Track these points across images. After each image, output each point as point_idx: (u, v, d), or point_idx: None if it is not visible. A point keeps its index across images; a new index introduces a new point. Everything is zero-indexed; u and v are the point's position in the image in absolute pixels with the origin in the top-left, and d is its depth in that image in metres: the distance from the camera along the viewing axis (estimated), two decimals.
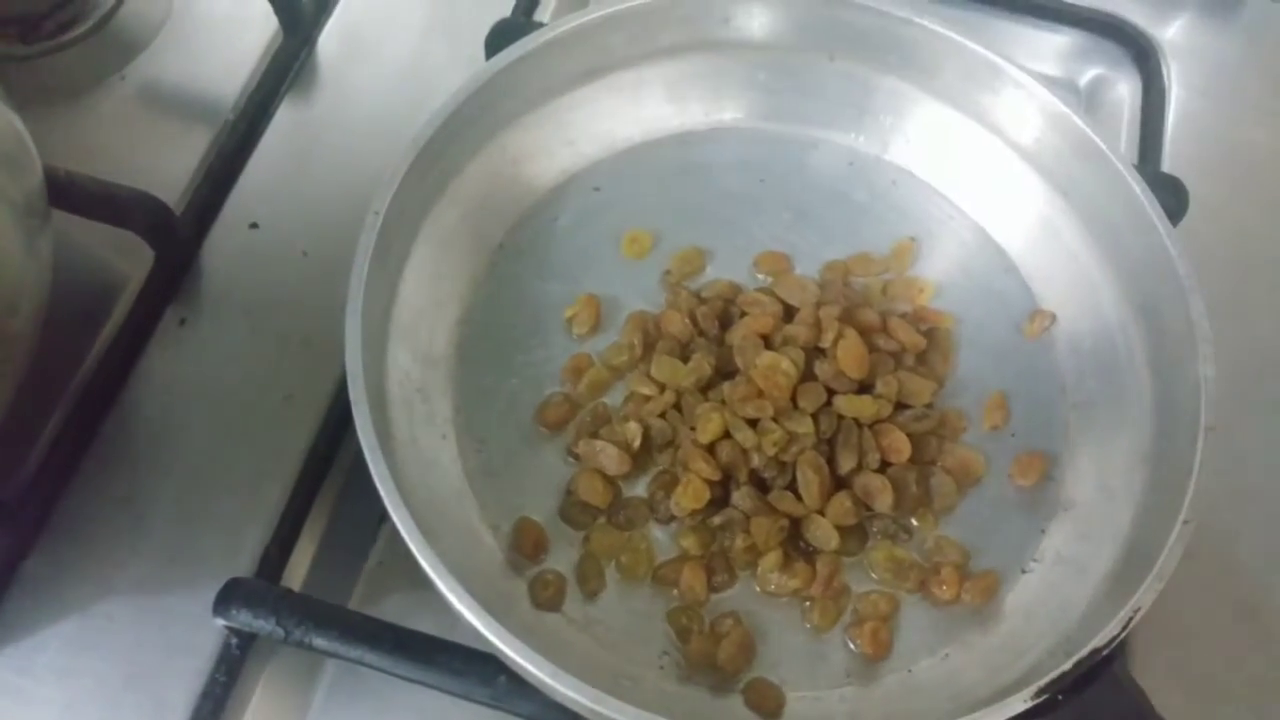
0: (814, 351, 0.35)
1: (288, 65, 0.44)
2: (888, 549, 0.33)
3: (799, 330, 0.35)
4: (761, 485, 0.34)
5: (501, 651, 0.27)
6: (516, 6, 0.45)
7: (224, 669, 0.31)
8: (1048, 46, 0.49)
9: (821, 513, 0.33)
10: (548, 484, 0.34)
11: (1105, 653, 0.28)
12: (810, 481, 0.33)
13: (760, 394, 0.33)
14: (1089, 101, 0.48)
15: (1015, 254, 0.39)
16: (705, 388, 0.35)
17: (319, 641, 0.30)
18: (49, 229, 0.32)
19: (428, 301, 0.35)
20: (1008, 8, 0.48)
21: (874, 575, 0.33)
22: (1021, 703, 0.27)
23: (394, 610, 0.33)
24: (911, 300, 0.38)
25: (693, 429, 0.34)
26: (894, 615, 0.32)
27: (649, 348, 0.36)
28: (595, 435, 0.34)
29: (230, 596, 0.31)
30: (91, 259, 0.39)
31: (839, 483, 0.33)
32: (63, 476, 0.34)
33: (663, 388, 0.35)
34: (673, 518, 0.33)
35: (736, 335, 0.35)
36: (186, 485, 0.35)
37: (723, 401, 0.34)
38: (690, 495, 0.32)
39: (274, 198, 0.40)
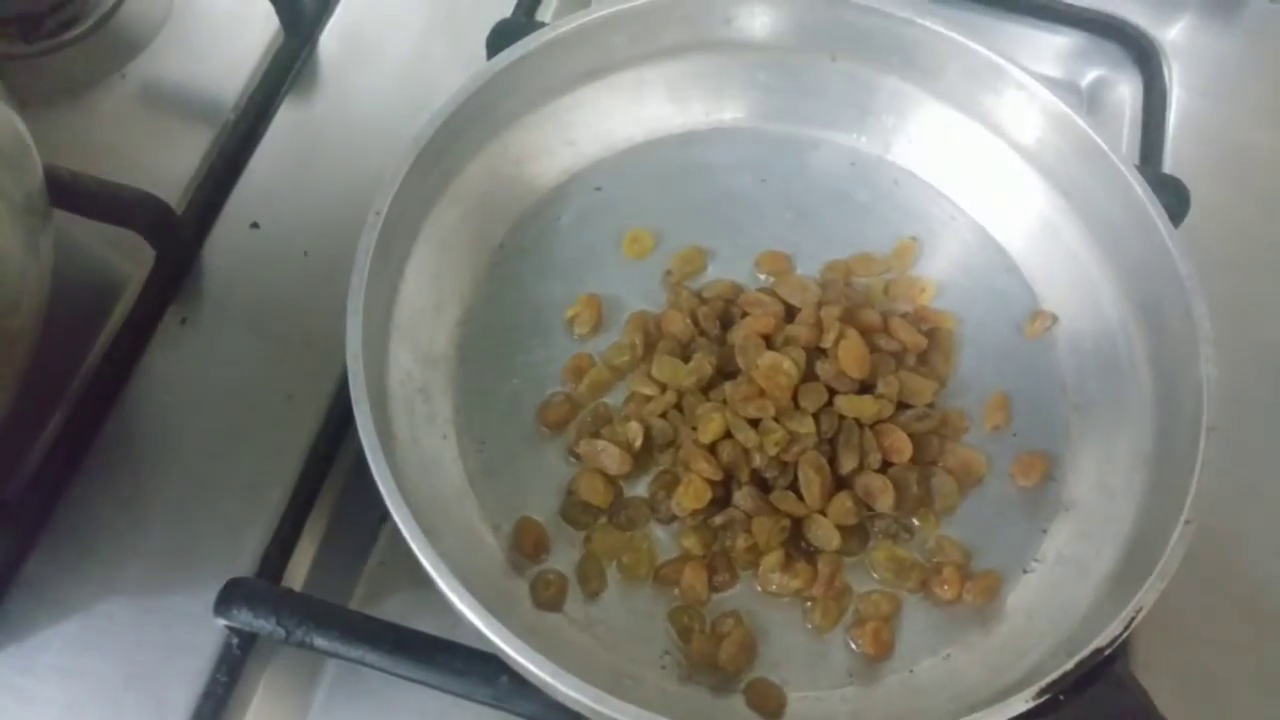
0: (815, 351, 0.35)
1: (289, 65, 0.44)
2: (889, 549, 0.33)
3: (800, 330, 0.35)
4: (763, 485, 0.33)
5: (503, 651, 0.27)
6: (518, 6, 0.45)
7: (225, 669, 0.31)
8: (1049, 47, 0.49)
9: (823, 513, 0.33)
10: (549, 484, 0.34)
11: (1107, 653, 0.27)
12: (811, 481, 0.33)
13: (761, 394, 0.33)
14: (1090, 102, 0.48)
15: (1017, 254, 0.39)
16: (706, 388, 0.35)
17: (320, 641, 0.30)
18: (50, 228, 0.32)
19: (429, 301, 0.35)
20: (1010, 9, 0.48)
21: (875, 575, 0.33)
22: (1023, 703, 0.27)
23: (395, 610, 0.33)
24: (913, 300, 0.38)
25: (694, 429, 0.34)
26: (895, 615, 0.32)
27: (650, 348, 0.36)
28: (596, 435, 0.34)
29: (231, 596, 0.31)
30: (92, 258, 0.39)
31: (840, 483, 0.33)
32: (64, 476, 0.34)
33: (664, 388, 0.35)
34: (674, 517, 0.33)
35: (738, 335, 0.35)
36: (187, 485, 0.35)
37: (724, 401, 0.34)
38: (691, 495, 0.32)
39: (275, 197, 0.40)
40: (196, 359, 0.37)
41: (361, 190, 0.33)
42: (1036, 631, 0.31)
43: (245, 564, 0.33)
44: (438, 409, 0.34)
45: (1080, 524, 0.34)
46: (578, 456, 0.34)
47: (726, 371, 0.35)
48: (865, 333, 0.35)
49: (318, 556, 0.35)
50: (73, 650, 0.32)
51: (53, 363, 0.35)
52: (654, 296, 0.37)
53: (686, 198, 0.39)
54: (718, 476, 0.33)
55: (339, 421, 0.35)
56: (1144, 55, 0.47)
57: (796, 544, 0.33)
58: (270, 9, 0.43)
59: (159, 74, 0.43)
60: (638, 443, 0.34)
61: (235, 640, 0.32)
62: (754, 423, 0.33)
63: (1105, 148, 0.35)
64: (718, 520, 0.33)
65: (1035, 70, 0.37)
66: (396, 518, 0.28)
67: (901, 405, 0.35)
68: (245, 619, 0.31)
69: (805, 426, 0.33)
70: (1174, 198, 0.39)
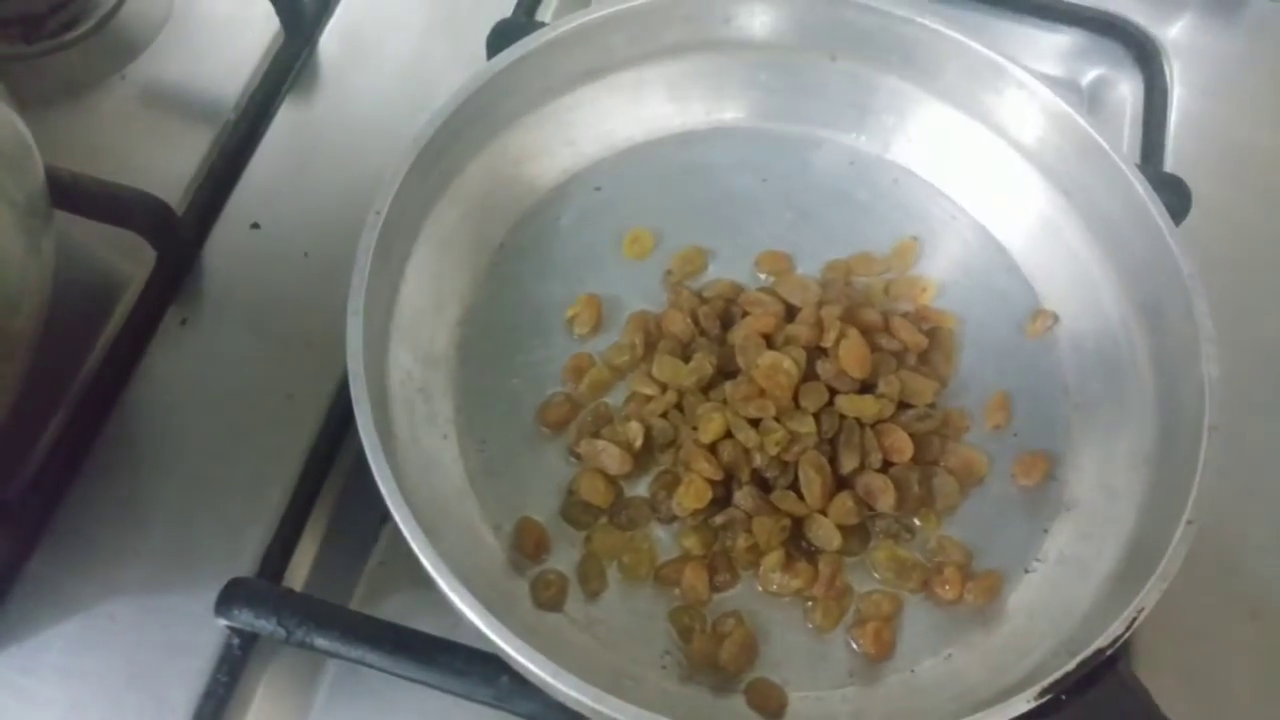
0: (816, 351, 0.35)
1: (289, 65, 0.44)
2: (890, 549, 0.33)
3: (801, 330, 0.35)
4: (763, 485, 0.33)
5: (503, 651, 0.27)
6: (518, 6, 0.45)
7: (226, 669, 0.31)
8: (1050, 46, 0.49)
9: (824, 512, 0.33)
10: (549, 484, 0.34)
11: (1109, 653, 0.27)
12: (812, 481, 0.32)
13: (762, 394, 0.33)
14: (1091, 101, 0.48)
15: (1017, 253, 0.39)
16: (707, 387, 0.35)
17: (320, 641, 0.30)
18: (51, 229, 0.32)
19: (429, 301, 0.35)
20: (1010, 7, 0.48)
21: (876, 575, 0.33)
22: (1025, 703, 0.27)
23: (396, 610, 0.33)
24: (913, 300, 0.38)
25: (694, 429, 0.34)
26: (896, 615, 0.32)
27: (650, 347, 0.36)
28: (597, 435, 0.34)
29: (232, 596, 0.31)
30: (93, 259, 0.39)
31: (841, 482, 0.33)
32: (65, 477, 0.34)
33: (664, 387, 0.35)
34: (674, 517, 0.33)
35: (738, 335, 0.35)
36: (188, 485, 0.35)
37: (724, 401, 0.34)
38: (692, 495, 0.32)
39: (275, 198, 0.40)
40: (197, 359, 0.37)
41: (362, 190, 0.33)
42: (1038, 631, 0.31)
43: (246, 564, 0.33)
44: (438, 409, 0.34)
45: (1082, 524, 0.34)
46: (578, 456, 0.34)
47: (727, 371, 0.35)
48: (866, 332, 0.35)
49: (318, 556, 0.35)
50: (74, 650, 0.32)
51: (54, 363, 0.35)
52: (654, 296, 0.37)
53: (687, 197, 0.39)
54: (718, 476, 0.33)
55: (339, 421, 0.35)
56: (1145, 54, 0.47)
57: (797, 544, 0.33)
58: (270, 9, 0.43)
59: (159, 75, 0.43)
60: (638, 443, 0.34)
61: (236, 640, 0.32)
62: (755, 422, 0.33)
63: (1106, 146, 0.35)
64: (718, 520, 0.33)
65: (1036, 69, 0.37)
66: (397, 518, 0.28)
67: (902, 405, 0.35)
68: (246, 619, 0.31)
69: (806, 426, 0.33)
70: (1175, 196, 0.39)
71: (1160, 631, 0.32)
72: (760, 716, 0.30)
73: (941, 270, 0.39)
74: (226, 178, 0.41)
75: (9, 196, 0.29)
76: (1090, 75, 0.49)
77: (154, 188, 0.37)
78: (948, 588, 0.32)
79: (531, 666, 0.26)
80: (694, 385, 0.34)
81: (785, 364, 0.34)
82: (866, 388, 0.35)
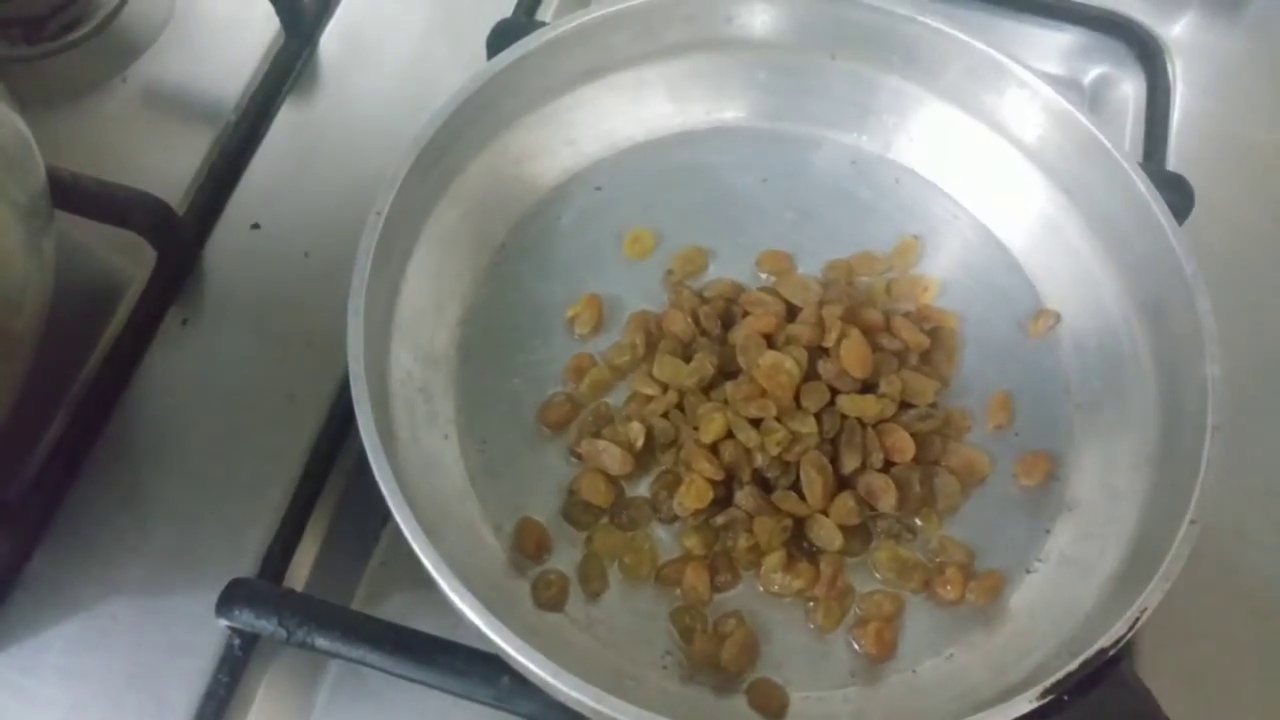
0: (817, 351, 0.35)
1: (289, 66, 0.44)
2: (891, 549, 0.33)
3: (802, 330, 0.35)
4: (764, 485, 0.33)
5: (504, 651, 0.27)
6: (518, 6, 0.45)
7: (227, 669, 0.31)
8: (1052, 45, 0.48)
9: (825, 513, 0.33)
10: (550, 484, 0.34)
11: (1111, 653, 0.27)
12: (813, 481, 0.32)
13: (763, 393, 0.33)
14: (1093, 100, 0.48)
15: (1019, 253, 0.39)
16: (708, 387, 0.35)
17: (321, 642, 0.30)
18: (52, 229, 0.32)
19: (429, 301, 0.35)
20: (1011, 6, 0.48)
21: (878, 575, 0.33)
22: (1027, 703, 0.27)
23: (396, 610, 0.33)
24: (915, 299, 0.38)
25: (695, 429, 0.34)
26: (898, 615, 0.32)
27: (651, 347, 0.36)
28: (597, 435, 0.34)
29: (233, 597, 0.31)
30: (94, 260, 0.39)
31: (842, 482, 0.33)
32: (66, 477, 0.34)
33: (665, 387, 0.35)
34: (675, 518, 0.33)
35: (739, 335, 0.35)
36: (189, 485, 0.35)
37: (725, 401, 0.34)
38: (693, 495, 0.32)
39: (276, 198, 0.40)
40: (198, 360, 0.37)
41: (362, 190, 0.33)
42: (1040, 632, 0.31)
43: (247, 564, 0.33)
44: (439, 409, 0.34)
45: (1084, 524, 0.34)
46: (579, 456, 0.34)
47: (728, 371, 0.35)
48: (867, 332, 0.35)
49: (319, 557, 0.35)
50: (75, 650, 0.32)
51: (55, 364, 0.35)
52: (655, 296, 0.37)
53: (687, 197, 0.39)
54: (719, 476, 0.33)
55: (340, 422, 0.35)
56: (1147, 52, 0.47)
57: (798, 544, 0.33)
58: (270, 10, 0.43)
59: (160, 75, 0.43)
60: (639, 443, 0.34)
61: (237, 641, 0.32)
62: (756, 422, 0.33)
63: (1108, 145, 0.35)
64: (719, 520, 0.33)
65: (1037, 68, 0.36)
66: (398, 518, 0.28)
67: (904, 405, 0.35)
68: (247, 619, 0.31)
69: (807, 426, 0.33)
70: (1178, 195, 0.39)
71: (1162, 632, 0.32)
72: (761, 717, 0.30)
73: (943, 269, 0.39)
74: (227, 178, 0.41)
75: (10, 197, 0.29)
76: (1092, 74, 0.48)
77: (155, 188, 0.37)
78: (949, 588, 0.32)
79: (532, 667, 0.26)
80: (695, 385, 0.34)
81: (786, 364, 0.34)
82: (868, 387, 0.35)
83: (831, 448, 0.34)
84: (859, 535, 0.33)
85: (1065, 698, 0.27)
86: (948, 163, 0.40)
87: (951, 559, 0.33)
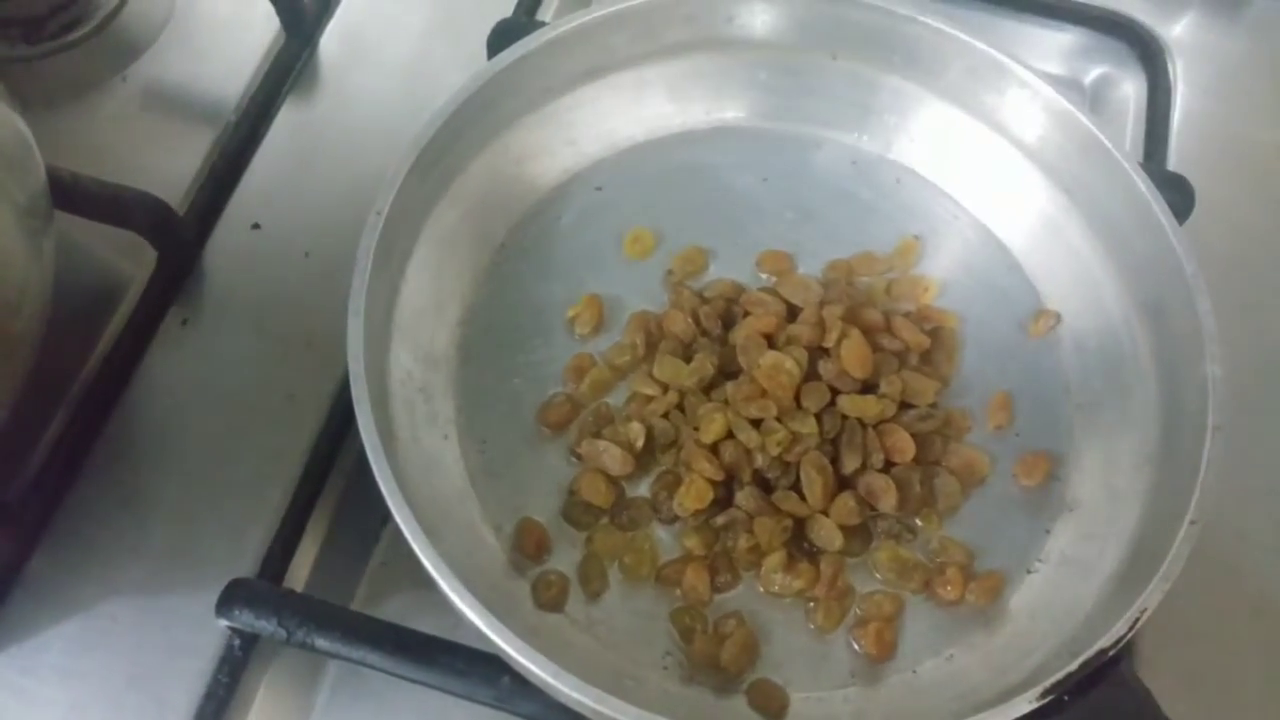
0: (817, 351, 0.35)
1: (290, 66, 0.44)
2: (892, 549, 0.33)
3: (802, 330, 0.35)
4: (765, 485, 0.33)
5: (504, 652, 0.27)
6: (518, 6, 0.45)
7: (226, 670, 0.31)
8: (1053, 45, 0.48)
9: (825, 513, 0.33)
10: (550, 484, 0.34)
11: (1111, 653, 0.27)
12: (814, 481, 0.32)
13: (763, 394, 0.33)
14: (1094, 100, 0.48)
15: (1019, 253, 0.39)
16: (708, 388, 0.35)
17: (321, 642, 0.30)
18: (52, 230, 0.32)
19: (429, 301, 0.35)
20: (1012, 6, 0.48)
21: (878, 576, 0.33)
22: (1027, 704, 0.27)
23: (397, 611, 0.33)
24: (915, 299, 0.38)
25: (695, 429, 0.34)
26: (898, 616, 0.32)
27: (651, 348, 0.36)
28: (598, 435, 0.34)
29: (233, 597, 0.31)
30: (94, 260, 0.39)
31: (843, 483, 0.33)
32: (65, 477, 0.34)
33: (665, 388, 0.35)
34: (676, 518, 0.33)
35: (739, 335, 0.35)
36: (189, 486, 0.35)
37: (726, 401, 0.34)
38: (693, 495, 0.32)
39: (276, 198, 0.40)
40: (198, 360, 0.37)
41: (362, 190, 0.33)
42: (1040, 632, 0.31)
43: (247, 565, 0.33)
44: (439, 409, 0.34)
45: (1084, 524, 0.34)
46: (579, 457, 0.34)
47: (728, 371, 0.35)
48: (868, 332, 0.35)
49: (319, 557, 0.35)
50: (74, 651, 0.32)
51: (55, 364, 0.35)
52: (655, 296, 0.37)
53: (688, 197, 0.39)
54: (719, 477, 0.33)
55: (340, 422, 0.35)
56: (1148, 52, 0.47)
57: (799, 544, 0.33)
58: (270, 10, 0.43)
59: (160, 75, 0.43)
60: (639, 443, 0.34)
61: (237, 641, 0.32)
62: (756, 423, 0.33)
63: (1109, 145, 0.35)
64: (720, 520, 0.33)
65: (1038, 68, 0.36)
66: (398, 518, 0.28)
67: (904, 405, 0.35)
68: (247, 620, 0.31)
69: (807, 426, 0.33)
70: (1178, 195, 0.39)
71: (1163, 632, 0.32)
72: (762, 717, 0.30)
73: (943, 270, 0.39)
74: (227, 178, 0.41)
75: (10, 197, 0.29)
76: (1093, 74, 0.48)
77: (155, 188, 0.37)
78: (949, 588, 0.32)
79: (532, 667, 0.26)
80: (695, 385, 0.34)
81: (787, 364, 0.33)
82: (868, 388, 0.35)
83: (832, 448, 0.34)
84: (859, 535, 0.33)
85: (1065, 698, 0.27)
86: (948, 163, 0.40)
87: (952, 559, 0.33)
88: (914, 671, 0.32)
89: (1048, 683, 0.27)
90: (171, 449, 0.35)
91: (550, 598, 0.32)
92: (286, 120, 0.42)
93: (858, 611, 0.32)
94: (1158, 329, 0.34)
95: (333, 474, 0.35)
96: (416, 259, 0.35)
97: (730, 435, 0.33)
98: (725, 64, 0.40)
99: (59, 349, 0.34)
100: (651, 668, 0.31)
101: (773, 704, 0.30)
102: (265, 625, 0.30)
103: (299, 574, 0.34)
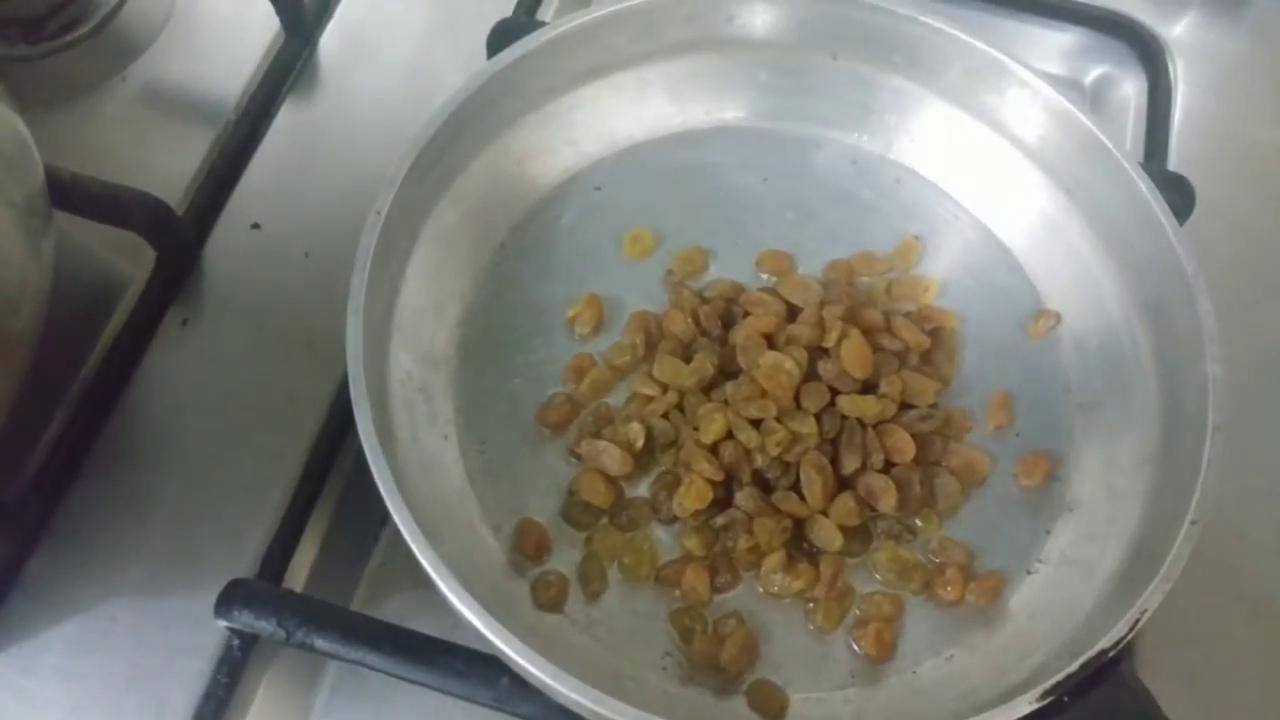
0: (817, 351, 0.35)
1: (289, 65, 0.44)
2: (892, 550, 0.33)
3: (802, 330, 0.35)
4: (764, 486, 0.33)
5: (503, 653, 0.27)
6: (518, 5, 0.45)
7: (226, 670, 0.31)
8: (1053, 45, 0.48)
9: (825, 513, 0.33)
10: (550, 484, 0.34)
11: (1112, 654, 0.27)
12: (814, 482, 0.32)
13: (763, 394, 0.33)
14: (1094, 100, 0.48)
15: (1020, 253, 0.39)
16: (708, 388, 0.35)
17: (321, 643, 0.30)
18: (51, 229, 0.32)
19: (429, 301, 0.35)
20: (1013, 6, 0.47)
21: (878, 576, 0.33)
22: (1027, 704, 0.27)
23: (396, 611, 0.33)
24: (916, 299, 0.38)
25: (695, 429, 0.34)
26: (898, 616, 0.32)
27: (651, 348, 0.36)
28: (597, 435, 0.34)
29: (232, 597, 0.31)
30: (93, 260, 0.39)
31: (842, 483, 0.33)
32: (65, 478, 0.34)
33: (665, 388, 0.35)
34: (675, 518, 0.33)
35: (739, 335, 0.35)
36: (188, 486, 0.35)
37: (725, 402, 0.34)
38: (693, 496, 0.32)
39: (276, 198, 0.40)
40: (197, 360, 0.37)
41: (362, 190, 0.33)
42: (1040, 633, 0.31)
43: (246, 565, 0.33)
44: (438, 409, 0.34)
45: (1084, 524, 0.33)
46: (579, 457, 0.34)
47: (728, 371, 0.35)
48: (868, 332, 0.35)
49: (319, 558, 0.35)
50: (74, 651, 0.32)
51: (54, 364, 0.35)
52: (655, 296, 0.37)
53: (688, 197, 0.39)
54: (719, 477, 0.33)
55: (340, 422, 0.35)
56: (1149, 52, 0.47)
57: (798, 545, 0.33)
58: (271, 10, 0.43)
59: (160, 75, 0.43)
60: (639, 443, 0.33)
61: (236, 641, 0.32)
62: (756, 423, 0.33)
63: (1109, 145, 0.35)
64: (719, 521, 0.33)
65: (1038, 68, 0.36)
66: (397, 519, 0.28)
67: (904, 405, 0.35)
68: (246, 620, 0.31)
69: (807, 427, 0.33)
70: (1179, 195, 0.39)
71: (1163, 632, 0.32)
72: (761, 718, 0.30)
73: (944, 270, 0.39)
74: (227, 178, 0.41)
75: (9, 197, 0.29)
76: (1093, 74, 0.48)
77: (154, 188, 0.37)
78: (949, 589, 0.32)
79: (532, 668, 0.26)
80: (695, 386, 0.34)
81: (787, 364, 0.33)
82: (868, 388, 0.35)
83: (832, 448, 0.33)
84: (859, 536, 0.33)
85: (1065, 699, 0.27)
86: (949, 163, 0.40)
87: (952, 560, 0.33)
88: (914, 672, 0.32)
89: (1048, 683, 0.27)
90: (171, 449, 0.35)
91: (550, 598, 0.32)
92: (286, 120, 0.42)
93: (857, 612, 0.32)
94: (1158, 329, 0.34)
95: (332, 474, 0.35)
96: (416, 259, 0.35)
97: (730, 435, 0.33)
98: (725, 64, 0.40)
99: (58, 349, 0.34)
100: (651, 668, 0.31)
101: (772, 705, 0.30)
102: (264, 626, 0.30)
103: (298, 574, 0.34)
